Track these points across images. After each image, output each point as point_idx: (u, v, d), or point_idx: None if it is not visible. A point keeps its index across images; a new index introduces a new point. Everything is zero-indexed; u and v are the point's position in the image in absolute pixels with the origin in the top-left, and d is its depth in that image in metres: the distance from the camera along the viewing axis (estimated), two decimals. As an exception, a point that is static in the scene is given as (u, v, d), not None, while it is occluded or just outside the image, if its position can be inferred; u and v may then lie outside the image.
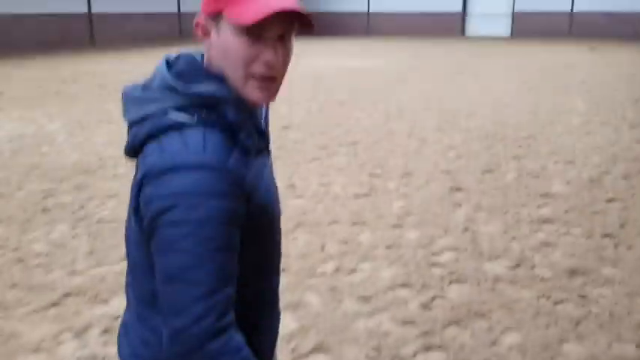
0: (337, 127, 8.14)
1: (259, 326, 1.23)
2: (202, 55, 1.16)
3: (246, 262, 1.15)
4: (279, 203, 1.23)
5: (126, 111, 1.13)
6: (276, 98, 8.95)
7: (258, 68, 1.07)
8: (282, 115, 8.86)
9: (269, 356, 1.28)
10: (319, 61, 17.31)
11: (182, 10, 24.75)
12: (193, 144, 1.01)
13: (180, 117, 1.05)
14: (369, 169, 6.12)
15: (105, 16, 21.31)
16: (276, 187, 1.24)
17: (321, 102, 10.13)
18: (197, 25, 1.11)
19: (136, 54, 18.81)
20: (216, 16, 1.06)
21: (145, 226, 1.03)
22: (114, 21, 21.73)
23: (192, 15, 24.49)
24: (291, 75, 13.82)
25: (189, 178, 0.99)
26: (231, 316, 1.02)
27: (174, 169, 1.00)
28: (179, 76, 1.08)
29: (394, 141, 7.34)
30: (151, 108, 1.07)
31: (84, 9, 20.50)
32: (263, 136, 1.18)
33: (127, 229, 1.16)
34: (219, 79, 1.08)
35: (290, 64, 1.08)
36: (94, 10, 20.68)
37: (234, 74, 1.08)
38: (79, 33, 20.54)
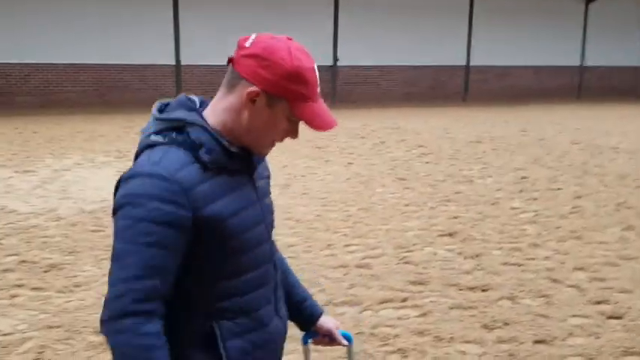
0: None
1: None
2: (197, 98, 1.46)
3: (210, 265, 1.39)
4: (260, 222, 1.48)
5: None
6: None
7: (280, 139, 1.43)
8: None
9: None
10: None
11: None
12: (153, 158, 1.32)
13: (156, 138, 1.37)
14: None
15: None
16: (262, 206, 1.50)
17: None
18: (255, 93, 1.34)
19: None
20: (277, 98, 1.35)
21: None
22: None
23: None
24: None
25: (138, 183, 1.29)
26: (151, 305, 1.28)
27: (132, 176, 1.31)
28: (164, 108, 1.43)
29: None
30: (143, 134, 1.41)
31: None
32: (249, 163, 1.46)
33: None
34: (190, 107, 1.41)
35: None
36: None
37: (264, 137, 1.41)
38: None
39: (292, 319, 1.73)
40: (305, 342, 1.79)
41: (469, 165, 9.17)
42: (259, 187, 1.51)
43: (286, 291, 1.69)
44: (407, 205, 6.70)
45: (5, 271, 4.61)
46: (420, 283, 4.46)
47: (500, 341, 3.59)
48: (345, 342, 1.77)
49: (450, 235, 5.62)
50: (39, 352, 3.45)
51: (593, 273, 4.69)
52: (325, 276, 4.60)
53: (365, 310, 4.02)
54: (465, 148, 10.72)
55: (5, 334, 3.66)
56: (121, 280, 1.28)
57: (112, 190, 1.37)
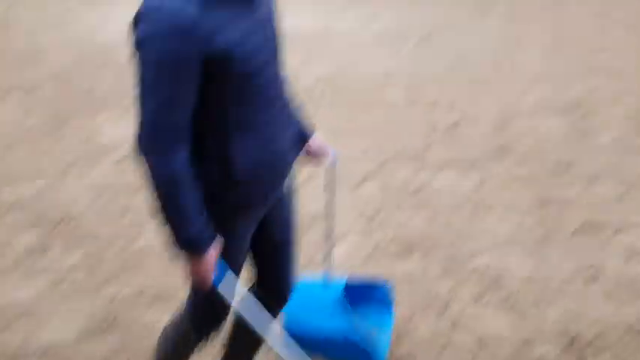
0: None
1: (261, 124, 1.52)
2: None
3: (226, 95, 1.45)
4: (267, 44, 1.52)
5: None
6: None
7: None
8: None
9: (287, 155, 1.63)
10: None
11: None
12: None
13: None
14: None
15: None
16: (266, 30, 1.52)
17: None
18: None
19: None
20: None
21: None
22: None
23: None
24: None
25: (148, 24, 1.31)
26: (177, 145, 1.39)
27: (141, 17, 1.33)
28: None
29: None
30: None
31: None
32: None
33: None
34: None
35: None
36: None
37: None
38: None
39: None
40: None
41: None
42: (263, 12, 1.55)
43: None
44: None
45: None
46: None
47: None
48: (330, 157, 1.93)
49: None
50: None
51: None
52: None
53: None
54: None
55: None
56: (148, 114, 1.36)
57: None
